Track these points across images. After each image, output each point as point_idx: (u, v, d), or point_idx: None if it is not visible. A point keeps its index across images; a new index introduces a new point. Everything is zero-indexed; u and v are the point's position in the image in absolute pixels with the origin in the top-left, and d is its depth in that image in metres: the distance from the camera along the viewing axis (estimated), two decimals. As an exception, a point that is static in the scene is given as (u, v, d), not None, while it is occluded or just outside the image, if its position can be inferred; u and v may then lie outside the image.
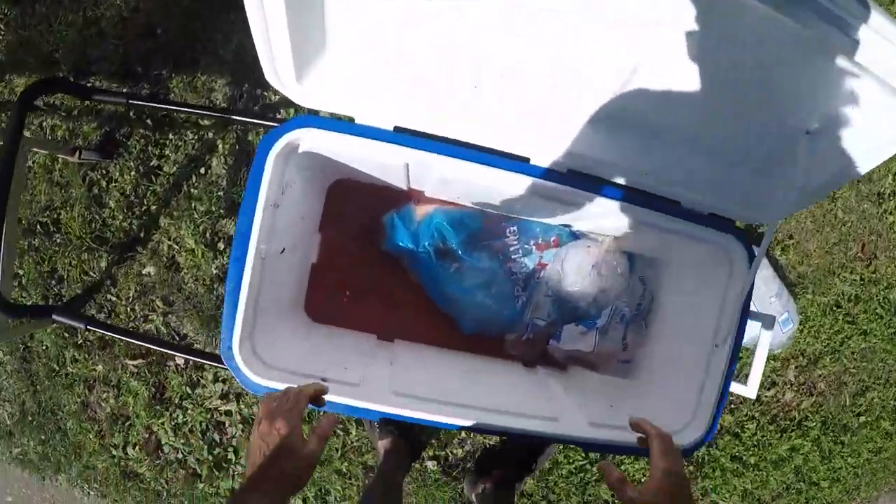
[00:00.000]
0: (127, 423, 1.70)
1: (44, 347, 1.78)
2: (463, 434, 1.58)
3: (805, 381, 1.69)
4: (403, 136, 0.99)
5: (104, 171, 1.70)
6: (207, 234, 1.61)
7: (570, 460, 1.57)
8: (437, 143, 0.99)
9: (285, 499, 0.64)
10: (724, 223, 1.11)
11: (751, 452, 1.65)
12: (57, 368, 1.77)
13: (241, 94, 1.63)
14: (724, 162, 1.03)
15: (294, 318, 1.33)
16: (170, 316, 1.65)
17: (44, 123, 1.81)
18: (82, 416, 1.75)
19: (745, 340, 1.14)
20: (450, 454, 1.60)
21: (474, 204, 1.30)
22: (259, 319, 1.10)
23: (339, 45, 0.95)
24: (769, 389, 1.65)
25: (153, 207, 1.65)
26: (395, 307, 1.46)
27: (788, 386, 1.68)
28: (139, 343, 1.34)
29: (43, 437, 1.83)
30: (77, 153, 1.68)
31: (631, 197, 1.04)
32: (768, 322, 1.17)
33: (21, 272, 1.77)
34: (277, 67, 0.94)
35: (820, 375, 1.70)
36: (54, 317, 1.42)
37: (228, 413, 1.64)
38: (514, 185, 1.02)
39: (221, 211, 1.62)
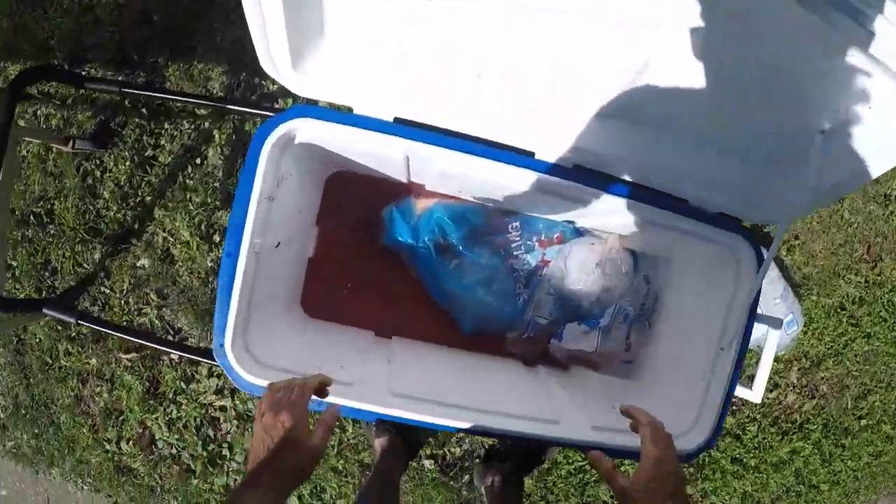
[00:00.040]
0: (121, 418, 1.65)
1: (37, 340, 1.73)
2: (461, 433, 1.54)
3: (807, 383, 1.65)
4: (403, 128, 0.93)
5: (98, 161, 1.65)
6: (203, 227, 1.56)
7: (570, 461, 1.53)
8: (439, 136, 0.94)
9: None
10: (733, 223, 1.07)
11: (751, 455, 1.61)
12: (50, 361, 1.73)
13: (239, 84, 1.57)
14: (735, 160, 0.98)
15: (290, 314, 1.28)
16: (164, 309, 1.60)
17: (38, 112, 1.75)
18: (76, 409, 1.70)
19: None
20: (447, 453, 1.56)
21: (476, 198, 1.24)
22: (253, 316, 1.05)
23: (337, 33, 0.90)
24: (771, 391, 1.60)
25: (148, 198, 1.60)
26: (393, 303, 1.41)
27: (791, 388, 1.64)
28: (129, 339, 1.29)
29: (36, 431, 1.79)
30: (71, 143, 1.63)
31: (638, 194, 0.99)
32: (775, 325, 1.13)
33: (14, 263, 1.71)
34: (273, 54, 0.89)
35: (822, 378, 1.66)
36: (45, 310, 1.37)
37: (223, 409, 1.59)
38: (517, 179, 0.97)
39: (217, 202, 1.57)
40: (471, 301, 1.34)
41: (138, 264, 1.60)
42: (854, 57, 0.64)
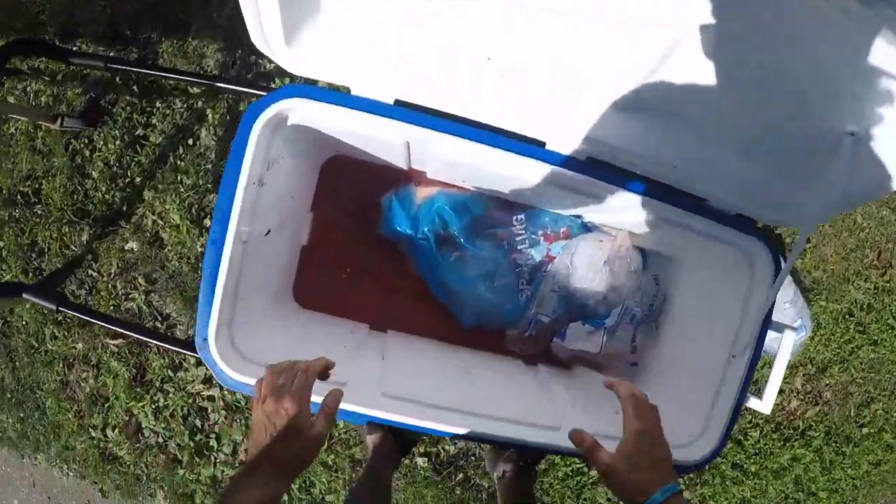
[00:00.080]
0: (106, 405, 1.57)
1: (23, 323, 1.65)
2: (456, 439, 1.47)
3: (812, 389, 1.58)
4: (404, 111, 0.85)
5: (88, 140, 1.55)
6: (193, 210, 1.47)
7: (567, 463, 1.46)
8: (442, 121, 0.85)
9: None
10: (751, 225, 0.99)
11: (752, 460, 1.54)
12: (36, 345, 1.64)
13: (234, 62, 1.47)
14: (758, 160, 0.90)
15: (281, 305, 1.20)
16: (152, 294, 1.51)
17: (28, 88, 1.66)
18: (61, 394, 1.63)
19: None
20: (442, 451, 1.49)
21: (480, 189, 1.16)
22: (239, 308, 0.97)
23: (334, 7, 0.81)
24: (775, 397, 1.54)
25: (137, 179, 1.50)
26: (389, 295, 1.32)
27: (795, 394, 1.57)
28: (111, 328, 1.21)
29: (22, 415, 1.71)
30: (59, 120, 1.53)
31: (655, 191, 0.91)
32: (789, 333, 1.05)
33: (0, 244, 1.64)
34: (265, 29, 0.80)
35: (827, 385, 1.59)
36: (25, 296, 1.29)
37: (211, 398, 1.51)
38: (526, 171, 0.88)
39: (209, 185, 1.47)
40: (471, 296, 1.25)
41: (126, 247, 1.51)
42: (888, 57, 0.58)
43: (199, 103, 1.47)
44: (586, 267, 1.12)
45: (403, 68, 0.84)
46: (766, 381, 1.00)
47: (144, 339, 1.17)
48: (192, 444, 1.50)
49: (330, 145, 1.08)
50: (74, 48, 1.57)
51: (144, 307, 1.50)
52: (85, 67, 1.48)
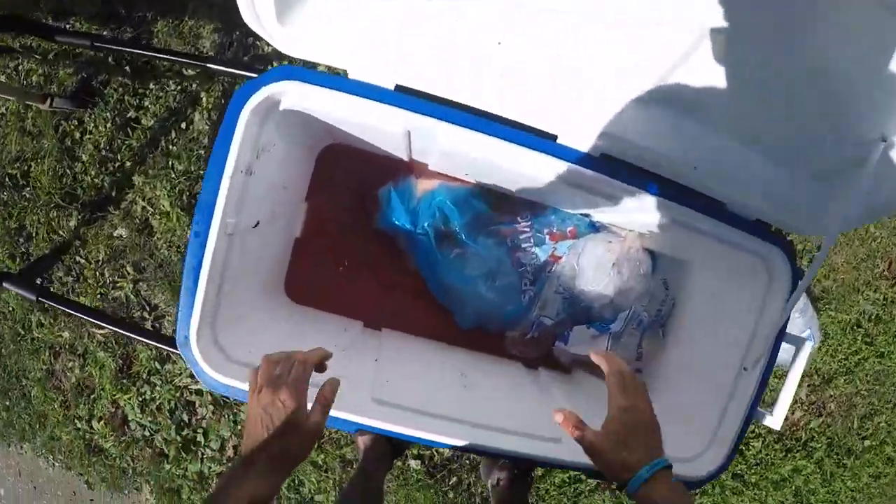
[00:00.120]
0: (92, 396, 1.49)
1: (10, 309, 1.56)
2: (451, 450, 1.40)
3: (816, 400, 1.51)
4: (405, 98, 0.76)
5: (78, 122, 1.46)
6: (184, 197, 1.38)
7: (564, 469, 1.40)
8: (446, 109, 0.76)
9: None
10: (770, 231, 0.92)
11: (753, 471, 1.47)
12: (22, 333, 1.56)
13: (231, 43, 1.38)
14: (783, 163, 0.83)
15: (271, 300, 1.11)
16: (140, 284, 1.43)
17: (20, 67, 1.56)
18: (47, 384, 1.55)
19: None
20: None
21: (484, 183, 1.08)
22: (224, 304, 0.89)
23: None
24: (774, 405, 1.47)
25: (128, 164, 1.41)
26: (386, 292, 1.23)
27: (799, 404, 1.50)
28: (91, 320, 1.13)
29: (7, 403, 1.62)
30: (48, 101, 1.44)
31: (671, 192, 0.83)
32: (806, 346, 0.98)
33: (-13, 227, 1.56)
34: (256, 5, 0.72)
35: (831, 396, 1.52)
36: (4, 285, 1.21)
37: (199, 393, 1.44)
38: (535, 166, 0.80)
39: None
40: (471, 296, 1.17)
41: (115, 234, 1.43)
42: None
43: (194, 86, 1.38)
44: (594, 268, 1.04)
45: (404, 53, 0.77)
46: (776, 395, 0.93)
47: (124, 333, 1.08)
48: (178, 438, 1.43)
49: (326, 133, 0.99)
50: (67, 26, 1.48)
51: (132, 297, 1.42)
52: (71, 46, 1.39)
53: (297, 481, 1.43)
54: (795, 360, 0.95)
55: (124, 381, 1.45)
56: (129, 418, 1.47)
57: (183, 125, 1.38)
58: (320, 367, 0.68)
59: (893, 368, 1.55)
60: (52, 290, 1.49)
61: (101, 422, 1.50)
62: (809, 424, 1.51)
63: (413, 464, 1.39)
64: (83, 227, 1.45)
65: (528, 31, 0.66)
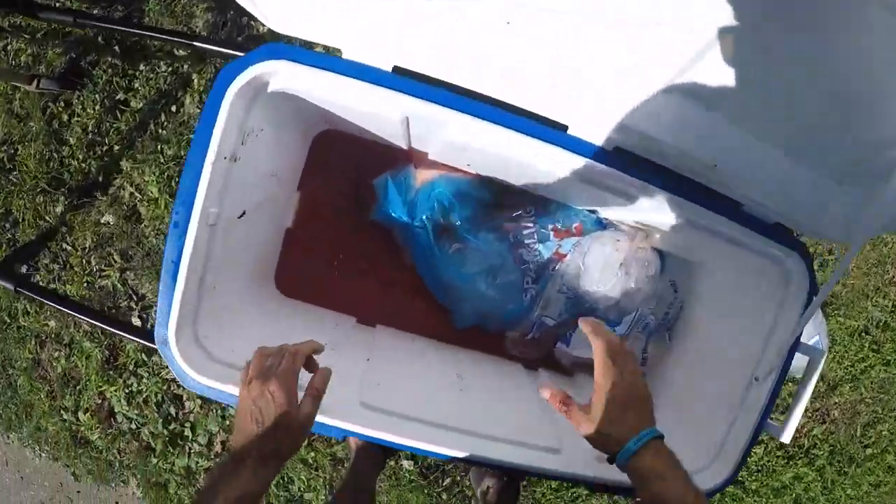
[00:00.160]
0: (78, 387, 1.43)
1: (-5, 296, 1.51)
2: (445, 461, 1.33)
3: (820, 407, 1.45)
4: (404, 81, 0.68)
5: (66, 104, 1.38)
6: (173, 183, 1.29)
7: (563, 481, 1.34)
8: (448, 94, 0.68)
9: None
10: (790, 236, 0.85)
11: (754, 478, 1.41)
12: (8, 321, 1.48)
13: (224, 23, 1.29)
14: (808, 164, 0.75)
15: (259, 294, 1.04)
16: (127, 273, 1.35)
17: (8, 47, 1.48)
18: (33, 373, 1.48)
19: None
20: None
21: (487, 175, 1.00)
22: (206, 300, 0.82)
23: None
24: (782, 413, 1.41)
25: (116, 148, 1.33)
26: (380, 287, 1.16)
27: (803, 411, 1.44)
28: (71, 313, 1.06)
29: (-7, 392, 1.58)
30: (35, 82, 1.36)
31: (688, 191, 0.76)
32: (819, 357, 0.91)
33: (-27, 212, 1.48)
34: (247, -20, 0.64)
35: (835, 403, 1.46)
36: (-18, 273, 1.14)
37: (188, 386, 1.38)
38: (543, 158, 0.73)
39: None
40: (470, 293, 1.09)
41: (102, 221, 1.35)
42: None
43: (185, 67, 1.29)
44: (600, 268, 0.97)
45: (403, 35, 0.69)
46: (783, 403, 0.87)
47: (102, 326, 1.01)
48: (165, 432, 1.37)
49: (320, 118, 0.91)
50: (57, 3, 1.39)
51: (119, 286, 1.35)
52: (53, 23, 1.31)
53: (286, 479, 1.37)
54: (809, 373, 0.89)
55: (111, 372, 1.38)
56: (116, 410, 1.40)
57: (173, 108, 1.30)
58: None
59: (899, 376, 1.49)
60: (38, 277, 1.43)
61: (88, 413, 1.43)
62: (812, 431, 1.45)
63: (406, 464, 1.33)
64: (70, 214, 1.37)
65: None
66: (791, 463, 1.43)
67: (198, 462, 1.38)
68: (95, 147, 1.35)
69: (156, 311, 1.35)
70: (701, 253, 0.98)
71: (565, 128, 0.70)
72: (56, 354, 1.44)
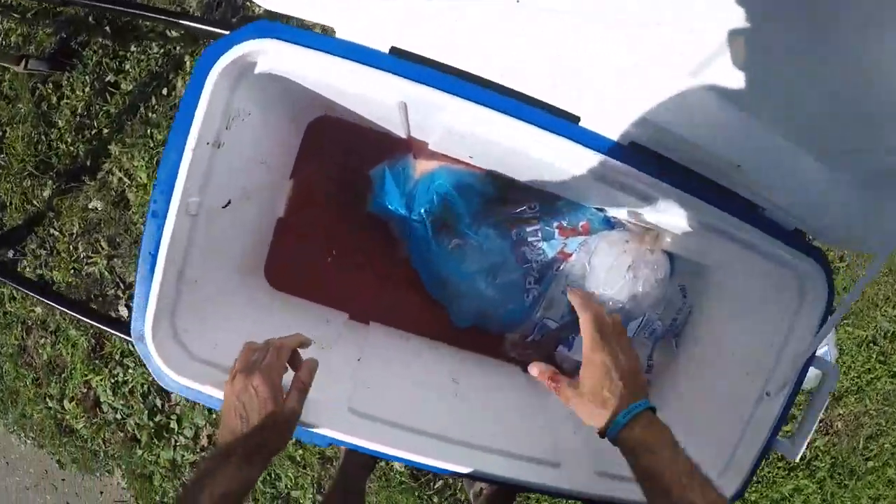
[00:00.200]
0: (63, 375, 1.37)
1: (-18, 279, 1.45)
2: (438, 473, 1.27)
3: (824, 418, 1.39)
4: (402, 63, 0.61)
5: (55, 85, 1.31)
6: (163, 171, 1.24)
7: (564, 498, 1.29)
8: (450, 78, 0.61)
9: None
10: (809, 244, 0.78)
11: (753, 488, 1.36)
12: (-6, 305, 1.45)
13: (219, 3, 1.21)
14: (839, 168, 0.69)
15: (246, 287, 0.97)
16: (115, 260, 1.29)
17: (-1, 25, 1.42)
18: (19, 360, 1.42)
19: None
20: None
21: (490, 168, 0.93)
22: (186, 294, 0.76)
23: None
24: (786, 423, 1.36)
25: (105, 131, 1.26)
26: (375, 282, 1.09)
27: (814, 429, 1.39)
28: (47, 302, 0.99)
29: (-21, 378, 1.52)
30: (23, 62, 1.29)
31: (706, 192, 0.69)
32: (832, 371, 0.85)
33: (-41, 194, 1.41)
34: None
35: (839, 414, 1.40)
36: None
37: (175, 379, 1.32)
38: (551, 151, 0.66)
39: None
40: (469, 292, 1.02)
41: (90, 206, 1.28)
42: None
43: (178, 49, 1.22)
44: (607, 270, 0.90)
45: (403, 9, 0.63)
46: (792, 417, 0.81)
47: (78, 316, 0.95)
48: (151, 424, 1.31)
49: (313, 103, 0.84)
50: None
51: (106, 273, 1.28)
52: (44, 1, 1.24)
53: (273, 475, 1.31)
54: (823, 389, 0.83)
55: (96, 361, 1.32)
56: (101, 400, 1.34)
57: (164, 91, 1.23)
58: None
59: (904, 388, 1.43)
60: (26, 262, 1.37)
61: (73, 402, 1.37)
62: (815, 443, 1.39)
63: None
64: (57, 198, 1.31)
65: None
66: (792, 474, 1.37)
67: (183, 455, 1.32)
68: (84, 130, 1.28)
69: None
70: (714, 257, 0.91)
71: (577, 119, 0.64)
72: (42, 341, 1.38)
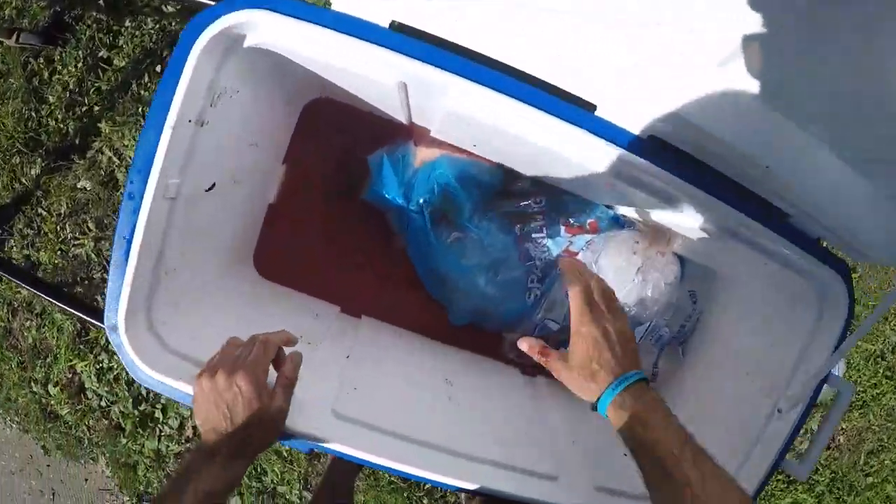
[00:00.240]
0: (48, 359, 1.32)
1: (-32, 258, 1.39)
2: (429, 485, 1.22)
3: (826, 432, 1.35)
4: (402, 38, 0.54)
5: (47, 60, 1.25)
6: (154, 151, 1.18)
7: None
8: (454, 57, 0.54)
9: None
10: (832, 255, 0.72)
11: (750, 502, 1.32)
12: (-21, 285, 1.39)
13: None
14: (876, 176, 0.62)
15: (232, 276, 0.90)
16: (102, 242, 1.22)
17: (-8, -3, 1.34)
18: (4, 342, 1.35)
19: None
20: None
21: (495, 158, 0.86)
22: (164, 283, 0.70)
23: None
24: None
25: (96, 108, 1.19)
26: (371, 275, 1.01)
27: (808, 435, 1.33)
28: (26, 287, 0.93)
29: (-36, 359, 1.47)
30: (16, 35, 1.23)
31: (728, 193, 0.63)
32: (846, 390, 0.79)
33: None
34: None
35: (842, 429, 1.34)
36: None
37: (162, 367, 1.27)
38: (562, 141, 0.60)
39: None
40: (468, 288, 0.95)
41: (78, 185, 1.22)
42: None
43: (174, 24, 1.15)
44: (614, 271, 0.84)
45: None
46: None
47: (54, 303, 0.89)
48: (136, 412, 1.25)
49: (311, 83, 0.77)
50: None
51: (93, 255, 1.22)
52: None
53: (259, 469, 1.25)
54: (837, 408, 0.77)
55: (81, 346, 1.26)
56: (86, 386, 1.28)
57: (158, 68, 1.15)
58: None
59: (909, 404, 1.38)
60: (13, 242, 1.30)
61: (58, 387, 1.31)
62: (815, 457, 1.34)
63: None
64: (45, 177, 1.24)
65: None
66: (791, 487, 1.32)
67: (168, 446, 1.26)
68: (75, 107, 1.22)
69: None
70: (728, 263, 0.85)
71: (593, 107, 0.57)
72: (27, 324, 1.32)
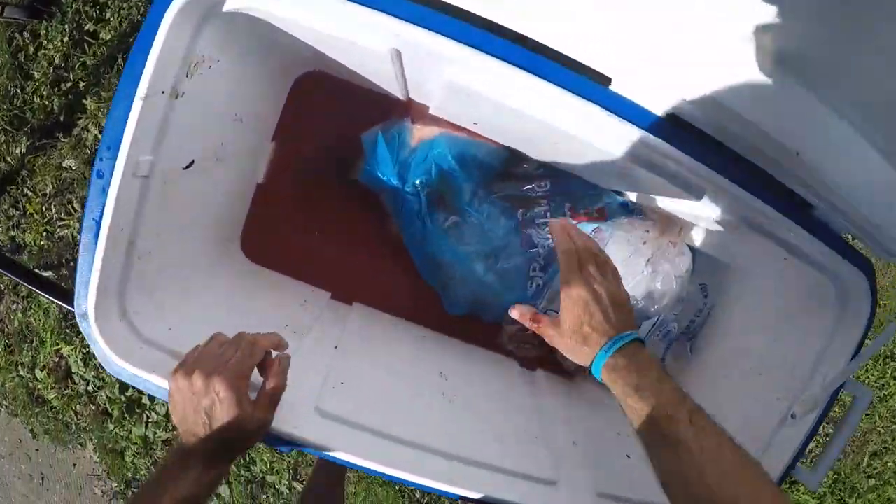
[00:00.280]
0: (35, 343, 1.27)
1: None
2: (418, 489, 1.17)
3: (832, 433, 1.30)
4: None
5: (33, 35, 1.18)
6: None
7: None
8: (454, 21, 0.47)
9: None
10: (857, 252, 0.66)
11: (750, 503, 1.28)
12: (-34, 266, 1.34)
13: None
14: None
15: (214, 261, 0.82)
16: (88, 225, 1.18)
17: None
18: (-8, 324, 1.33)
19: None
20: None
21: (497, 136, 0.79)
22: (137, 266, 0.64)
23: None
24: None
25: (81, 84, 1.12)
26: (364, 259, 0.94)
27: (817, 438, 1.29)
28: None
29: (-48, 341, 1.42)
30: (0, 10, 1.17)
31: (752, 181, 0.56)
32: (864, 396, 0.74)
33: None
34: None
35: (847, 430, 1.30)
36: None
37: (150, 354, 1.22)
38: (572, 119, 0.53)
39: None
40: (465, 276, 0.88)
41: (64, 164, 1.15)
42: None
43: (162, -4, 1.09)
44: (622, 262, 0.77)
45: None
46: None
47: (30, 287, 0.83)
48: (123, 398, 1.20)
49: (300, 54, 0.70)
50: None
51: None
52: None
53: (248, 459, 1.21)
54: (853, 415, 0.72)
55: (67, 330, 1.21)
56: (73, 371, 1.24)
57: (145, 42, 1.09)
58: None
59: (915, 407, 1.33)
60: (-1, 222, 1.25)
61: (45, 371, 1.26)
62: (818, 458, 1.29)
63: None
64: (31, 155, 1.18)
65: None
66: (793, 488, 1.27)
67: (155, 433, 1.22)
68: (60, 83, 1.15)
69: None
70: (744, 255, 0.78)
71: (608, 81, 0.51)
72: (14, 307, 1.27)
